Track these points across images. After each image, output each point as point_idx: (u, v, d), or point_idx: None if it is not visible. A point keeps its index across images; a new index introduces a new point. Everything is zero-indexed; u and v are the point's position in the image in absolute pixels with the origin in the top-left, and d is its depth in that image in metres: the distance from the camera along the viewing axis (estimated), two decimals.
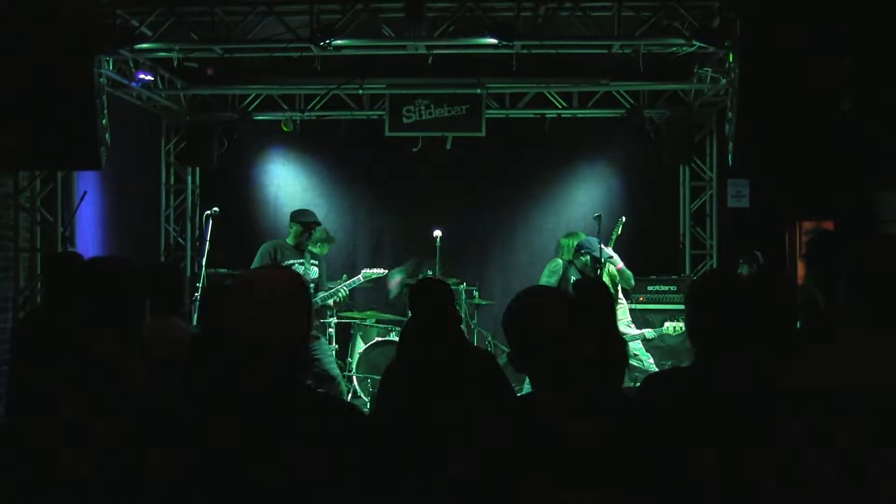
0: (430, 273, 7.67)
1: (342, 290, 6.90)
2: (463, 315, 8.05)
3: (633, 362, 6.46)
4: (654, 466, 1.96)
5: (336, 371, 6.73)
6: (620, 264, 6.48)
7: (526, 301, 2.19)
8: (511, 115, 8.98)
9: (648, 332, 6.58)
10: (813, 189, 8.11)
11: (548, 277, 6.58)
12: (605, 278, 6.55)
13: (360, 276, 7.17)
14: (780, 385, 2.01)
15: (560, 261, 6.62)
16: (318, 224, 6.86)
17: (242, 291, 1.89)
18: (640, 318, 7.42)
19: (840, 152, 6.14)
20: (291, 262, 6.55)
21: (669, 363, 7.41)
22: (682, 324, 6.53)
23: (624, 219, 6.76)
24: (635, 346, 6.56)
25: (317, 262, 6.79)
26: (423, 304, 3.64)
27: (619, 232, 6.70)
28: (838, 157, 6.23)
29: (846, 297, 2.03)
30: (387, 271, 7.22)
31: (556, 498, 1.93)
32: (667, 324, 6.64)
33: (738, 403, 2.10)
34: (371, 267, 7.33)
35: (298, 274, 1.97)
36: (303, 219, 6.72)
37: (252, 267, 6.31)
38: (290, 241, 6.69)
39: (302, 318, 1.91)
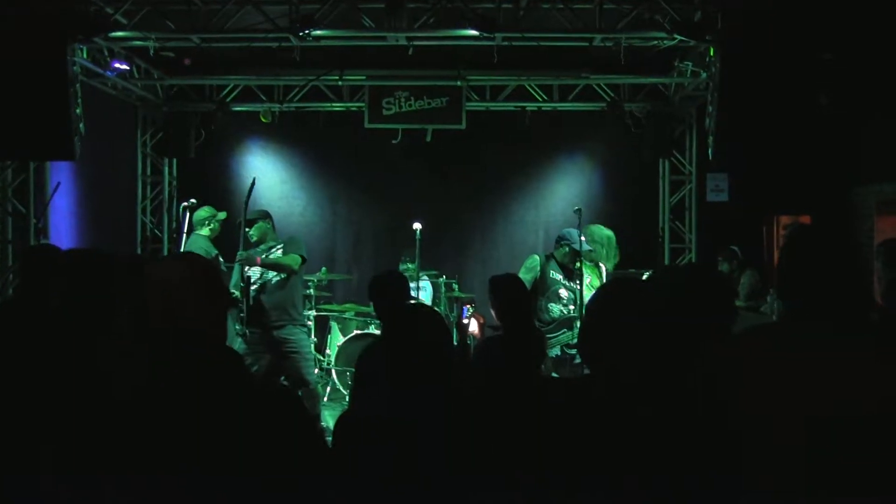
0: (410, 265, 7.63)
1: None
2: (442, 309, 8.03)
3: None
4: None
5: (311, 376, 6.20)
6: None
7: None
8: (491, 108, 8.95)
9: None
10: (791, 183, 8.15)
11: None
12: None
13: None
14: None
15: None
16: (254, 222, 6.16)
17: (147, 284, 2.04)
18: None
19: (818, 147, 6.19)
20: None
21: None
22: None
23: None
24: None
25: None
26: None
27: None
28: (817, 152, 6.28)
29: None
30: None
31: None
32: None
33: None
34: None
35: (198, 259, 2.09)
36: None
37: None
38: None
39: (196, 302, 1.98)
